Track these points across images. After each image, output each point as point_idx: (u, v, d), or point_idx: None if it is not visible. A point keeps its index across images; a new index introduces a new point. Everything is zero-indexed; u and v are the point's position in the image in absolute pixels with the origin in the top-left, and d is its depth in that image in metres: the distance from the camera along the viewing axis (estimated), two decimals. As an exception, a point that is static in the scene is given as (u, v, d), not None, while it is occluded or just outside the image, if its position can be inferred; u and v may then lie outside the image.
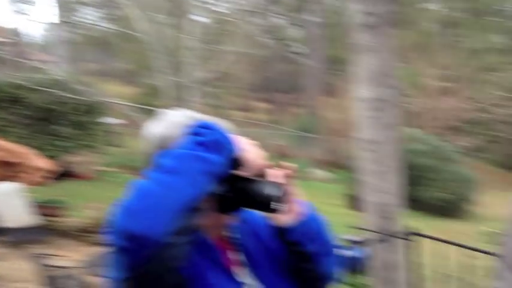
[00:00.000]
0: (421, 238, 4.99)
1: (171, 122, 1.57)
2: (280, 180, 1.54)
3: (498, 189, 18.66)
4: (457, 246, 4.79)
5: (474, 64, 19.86)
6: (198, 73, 15.54)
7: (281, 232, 1.61)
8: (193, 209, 1.33)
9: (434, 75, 19.87)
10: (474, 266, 5.08)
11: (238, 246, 1.63)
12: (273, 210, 1.51)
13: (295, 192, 1.59)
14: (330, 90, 23.79)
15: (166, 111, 1.63)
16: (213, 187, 1.40)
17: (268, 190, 1.50)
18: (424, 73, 19.81)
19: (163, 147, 1.49)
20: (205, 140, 1.41)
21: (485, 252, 4.75)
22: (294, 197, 1.59)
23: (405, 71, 18.76)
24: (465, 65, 19.79)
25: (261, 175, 1.54)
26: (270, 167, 1.56)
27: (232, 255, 1.61)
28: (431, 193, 14.42)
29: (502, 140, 21.86)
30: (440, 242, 4.87)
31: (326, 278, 1.74)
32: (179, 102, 13.76)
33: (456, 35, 24.08)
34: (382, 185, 5.05)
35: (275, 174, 1.55)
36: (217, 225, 1.60)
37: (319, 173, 19.33)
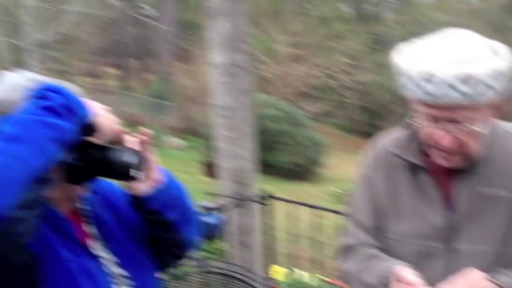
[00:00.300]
0: (274, 201, 5.12)
1: (11, 85, 1.40)
2: (137, 147, 1.47)
3: (345, 152, 19.90)
4: (307, 207, 5.00)
5: (322, 32, 20.71)
6: (37, 35, 14.44)
7: (138, 201, 1.53)
8: (41, 180, 1.23)
9: (286, 42, 20.44)
10: (323, 225, 5.32)
11: (90, 219, 1.55)
12: (131, 178, 1.46)
13: (153, 159, 1.53)
14: (184, 56, 23.47)
15: (5, 73, 1.46)
16: (63, 155, 1.29)
17: (125, 157, 1.43)
18: (275, 40, 20.29)
19: (3, 113, 1.34)
20: (53, 104, 1.29)
21: (333, 211, 5.02)
22: (151, 164, 1.52)
23: (257, 37, 19.07)
24: (314, 32, 20.58)
25: (117, 142, 1.45)
26: (126, 133, 1.47)
27: (85, 228, 1.53)
28: (284, 158, 14.90)
29: (348, 106, 23.25)
30: (292, 204, 5.04)
31: (186, 245, 1.71)
32: (17, 66, 12.75)
33: (306, 2, 24.88)
34: (236, 150, 5.08)
35: (131, 141, 1.47)
36: (68, 197, 1.50)
37: (174, 140, 19.11)
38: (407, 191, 1.86)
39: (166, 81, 23.08)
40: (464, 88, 1.53)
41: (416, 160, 1.83)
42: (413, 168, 1.85)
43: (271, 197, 4.87)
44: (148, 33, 28.56)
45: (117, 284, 1.52)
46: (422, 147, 1.84)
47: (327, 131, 20.60)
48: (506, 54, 1.61)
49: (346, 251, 1.99)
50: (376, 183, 1.93)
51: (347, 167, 17.46)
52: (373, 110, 23.34)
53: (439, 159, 1.74)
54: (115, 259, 1.54)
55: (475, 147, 1.68)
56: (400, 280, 1.68)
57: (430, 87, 1.56)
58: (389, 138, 1.98)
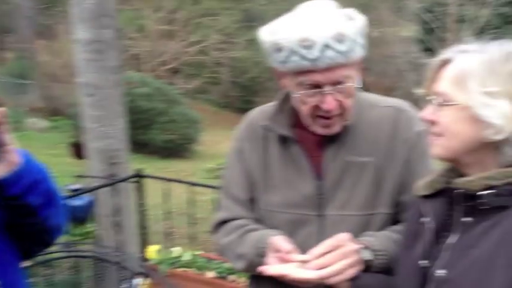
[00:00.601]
0: (148, 180, 5.03)
1: None
2: None
3: (220, 128, 20.05)
4: (183, 184, 4.95)
5: (195, 8, 20.55)
6: None
7: None
8: None
9: (158, 18, 20.04)
10: (200, 201, 5.32)
11: None
12: None
13: (8, 140, 1.41)
14: (46, 32, 22.09)
15: None
16: None
17: None
18: (146, 16, 19.83)
19: None
20: None
21: (206, 186, 5.03)
22: (6, 145, 1.40)
23: (127, 13, 18.49)
24: (187, 9, 20.36)
25: None
26: None
27: None
28: (158, 136, 14.73)
29: (222, 82, 23.39)
30: (169, 182, 4.97)
31: (53, 231, 1.61)
32: None
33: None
34: (105, 130, 4.91)
35: None
36: None
37: (37, 122, 18.00)
38: (278, 162, 1.89)
39: (27, 59, 21.61)
40: (340, 47, 1.62)
41: (286, 132, 1.86)
42: (284, 140, 1.88)
43: (143, 175, 4.76)
44: (5, 8, 26.49)
45: None
46: (291, 117, 1.88)
47: (201, 107, 20.60)
48: (359, 17, 1.73)
49: (221, 225, 1.99)
50: (248, 156, 1.94)
51: (222, 143, 17.65)
52: (246, 85, 23.68)
53: (320, 129, 1.77)
54: None
55: (350, 106, 1.75)
56: (275, 249, 1.70)
57: (310, 52, 1.62)
58: (260, 111, 2.00)
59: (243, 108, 23.47)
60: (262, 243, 1.77)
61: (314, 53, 1.62)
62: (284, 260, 1.67)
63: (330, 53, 1.62)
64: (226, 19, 20.68)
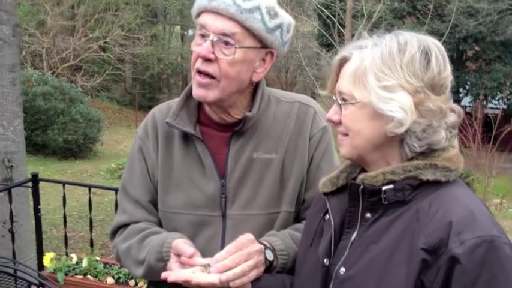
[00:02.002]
0: (47, 183, 4.78)
1: None
2: None
3: (122, 126, 19.60)
4: (81, 186, 4.75)
5: (97, 4, 19.90)
6: None
7: None
8: None
9: (58, 14, 19.21)
10: (101, 203, 5.15)
11: None
12: None
13: None
14: None
15: None
16: None
17: None
18: (46, 12, 18.94)
19: None
20: None
21: (106, 188, 4.87)
22: None
23: (26, 8, 17.60)
24: (89, 4, 19.67)
25: None
26: None
27: None
28: (59, 136, 14.16)
29: (123, 79, 22.86)
30: (69, 185, 4.76)
31: None
32: None
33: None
34: (1, 132, 4.62)
35: None
36: None
37: None
38: (181, 161, 1.82)
39: None
40: (240, 1, 1.62)
41: (189, 129, 1.80)
42: (187, 138, 1.82)
43: (38, 179, 4.51)
44: None
45: None
46: (195, 115, 1.83)
47: (103, 106, 20.05)
48: (285, 16, 1.73)
49: (120, 228, 1.90)
50: (148, 155, 1.86)
51: (124, 142, 17.33)
52: (149, 82, 23.32)
53: (196, 89, 1.72)
54: None
55: (230, 78, 1.69)
56: (177, 253, 1.64)
57: None
58: (163, 108, 1.92)
59: (146, 105, 23.10)
60: (163, 247, 1.70)
61: None
62: (187, 264, 1.61)
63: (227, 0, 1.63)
64: (129, 15, 20.19)
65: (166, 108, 1.90)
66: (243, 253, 1.57)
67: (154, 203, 1.86)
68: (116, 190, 3.93)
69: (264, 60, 1.74)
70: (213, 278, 1.53)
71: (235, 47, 1.65)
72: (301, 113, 1.83)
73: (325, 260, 1.45)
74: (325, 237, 1.49)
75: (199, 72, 1.69)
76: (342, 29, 16.83)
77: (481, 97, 17.19)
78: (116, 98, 22.86)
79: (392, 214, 1.37)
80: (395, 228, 1.35)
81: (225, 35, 1.64)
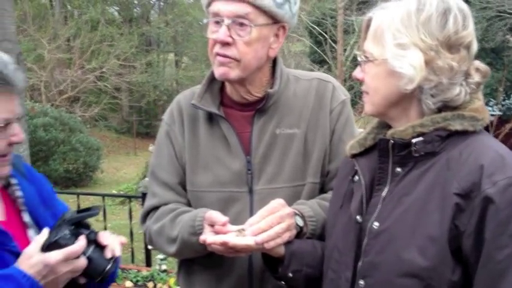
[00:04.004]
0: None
1: None
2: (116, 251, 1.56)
3: (121, 154, 19.62)
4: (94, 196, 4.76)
5: (93, 35, 20.09)
6: None
7: None
8: None
9: (54, 47, 19.38)
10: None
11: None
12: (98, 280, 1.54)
13: None
14: None
15: None
16: None
17: (105, 265, 1.54)
18: (42, 45, 19.11)
19: None
20: None
21: (118, 196, 4.85)
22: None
23: (22, 43, 17.74)
24: (84, 36, 19.86)
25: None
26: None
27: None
28: (60, 166, 14.20)
29: (120, 108, 22.95)
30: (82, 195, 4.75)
31: None
32: None
33: (73, 7, 23.85)
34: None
35: (109, 242, 1.58)
36: None
37: None
38: (207, 141, 1.88)
39: None
40: None
41: (213, 109, 1.86)
42: (212, 118, 1.88)
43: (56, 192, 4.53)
44: None
45: None
46: (219, 96, 1.90)
47: (101, 134, 20.10)
48: None
49: (150, 212, 1.94)
50: (175, 139, 1.92)
51: (123, 169, 17.36)
52: (146, 109, 23.42)
53: (218, 68, 1.78)
54: None
55: (249, 56, 1.76)
56: (210, 223, 1.68)
57: None
58: (186, 94, 1.99)
59: (144, 132, 23.17)
60: (195, 221, 1.74)
61: None
62: (221, 233, 1.65)
63: None
64: (124, 44, 20.38)
65: (190, 93, 1.96)
66: (275, 216, 1.63)
67: (182, 184, 1.91)
68: (126, 197, 3.96)
69: (277, 35, 1.81)
70: (249, 240, 1.58)
71: (250, 26, 1.72)
72: (321, 89, 1.89)
73: (357, 217, 1.50)
74: (355, 197, 1.54)
75: (219, 54, 1.76)
76: (334, 45, 16.98)
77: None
78: (114, 126, 22.93)
79: (422, 166, 1.42)
80: (427, 178, 1.40)
81: (238, 16, 1.71)
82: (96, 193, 4.91)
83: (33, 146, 13.32)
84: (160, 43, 24.78)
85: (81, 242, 1.48)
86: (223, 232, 1.64)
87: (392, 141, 1.45)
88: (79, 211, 1.58)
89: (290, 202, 1.76)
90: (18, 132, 1.55)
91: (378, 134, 1.55)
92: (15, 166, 1.66)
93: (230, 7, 1.71)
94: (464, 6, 1.44)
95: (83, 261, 1.49)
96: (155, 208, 1.92)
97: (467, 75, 1.43)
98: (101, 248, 1.55)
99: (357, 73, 1.53)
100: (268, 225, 1.60)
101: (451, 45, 1.40)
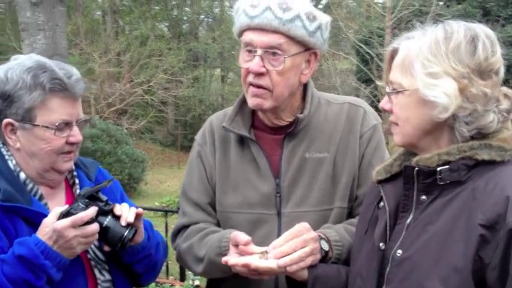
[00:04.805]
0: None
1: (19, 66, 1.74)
2: (132, 218, 1.71)
3: (165, 166, 19.87)
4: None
5: (142, 50, 20.55)
6: None
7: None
8: None
9: (105, 61, 19.93)
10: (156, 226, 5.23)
11: None
12: (119, 248, 1.73)
13: (139, 224, 1.77)
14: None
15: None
16: None
17: (123, 231, 1.70)
18: (93, 59, 19.68)
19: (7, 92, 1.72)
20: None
21: (166, 211, 4.89)
22: (136, 227, 1.75)
23: (74, 57, 18.30)
24: (134, 51, 20.34)
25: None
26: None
27: None
28: (108, 177, 14.48)
29: (166, 121, 23.30)
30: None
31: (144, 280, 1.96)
32: None
33: (125, 22, 24.48)
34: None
35: (126, 210, 1.73)
36: None
37: None
38: (237, 163, 1.90)
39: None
40: (281, 13, 1.71)
41: (244, 132, 1.88)
42: (242, 140, 1.91)
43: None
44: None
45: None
46: (250, 119, 1.92)
47: (147, 146, 20.42)
48: (323, 15, 1.82)
49: (181, 230, 1.98)
50: (206, 159, 1.95)
51: (167, 181, 17.54)
52: (191, 123, 23.70)
53: (251, 99, 1.80)
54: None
55: (281, 86, 1.77)
56: (234, 243, 1.70)
57: (253, 11, 1.73)
58: (218, 115, 2.02)
59: (188, 146, 23.45)
60: (221, 242, 1.77)
61: (255, 12, 1.73)
62: (245, 253, 1.67)
63: (268, 14, 1.71)
64: (172, 59, 20.77)
65: (222, 115, 1.99)
66: (299, 240, 1.63)
67: (212, 204, 1.94)
68: (163, 211, 3.99)
69: (308, 61, 1.83)
70: (271, 263, 1.59)
71: (284, 57, 1.74)
72: (352, 113, 1.89)
73: (380, 244, 1.49)
74: (380, 223, 1.53)
75: (252, 85, 1.78)
76: (380, 63, 16.85)
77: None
78: (159, 139, 23.28)
79: (447, 195, 1.40)
80: (452, 208, 1.38)
81: (272, 47, 1.73)
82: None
83: (80, 156, 13.66)
84: (207, 58, 25.10)
85: (88, 210, 1.65)
86: (247, 253, 1.66)
87: (417, 169, 1.44)
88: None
89: (317, 226, 1.76)
90: (75, 133, 1.78)
91: (405, 161, 1.55)
92: (85, 169, 1.94)
93: (263, 38, 1.73)
94: (491, 33, 1.43)
95: (93, 227, 1.66)
96: (185, 227, 1.96)
97: (497, 101, 1.42)
98: (118, 218, 1.72)
99: (385, 104, 1.52)
100: (291, 248, 1.61)
101: (483, 72, 1.39)
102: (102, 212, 1.68)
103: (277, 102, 1.79)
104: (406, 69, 1.44)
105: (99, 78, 19.85)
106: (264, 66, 1.74)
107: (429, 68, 1.39)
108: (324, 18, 1.80)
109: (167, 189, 16.40)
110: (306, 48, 1.79)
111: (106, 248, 1.75)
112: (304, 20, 1.74)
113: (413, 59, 1.42)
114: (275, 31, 1.72)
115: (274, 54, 1.74)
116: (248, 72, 1.77)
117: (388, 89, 1.50)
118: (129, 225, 1.71)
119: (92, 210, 1.65)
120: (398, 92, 1.46)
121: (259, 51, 1.73)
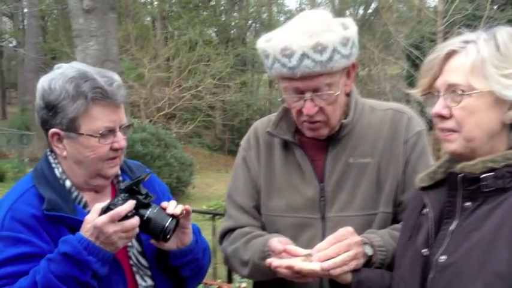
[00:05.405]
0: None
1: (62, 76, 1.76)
2: (178, 211, 1.73)
3: (212, 170, 20.09)
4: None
5: (191, 55, 20.88)
6: None
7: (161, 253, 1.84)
8: None
9: (154, 66, 20.33)
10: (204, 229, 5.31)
11: None
12: (162, 240, 1.74)
13: (188, 225, 1.82)
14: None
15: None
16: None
17: (165, 222, 1.71)
18: (143, 64, 20.09)
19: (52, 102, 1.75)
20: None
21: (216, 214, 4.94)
22: (185, 228, 1.81)
23: (125, 62, 18.75)
24: (182, 56, 20.68)
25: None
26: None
27: None
28: (157, 180, 14.74)
29: (213, 125, 23.59)
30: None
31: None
32: None
33: (173, 28, 24.93)
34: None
35: (173, 205, 1.75)
36: None
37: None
38: (282, 167, 1.94)
39: (29, 111, 21.78)
40: (318, 56, 1.69)
41: (288, 137, 1.91)
42: (286, 145, 1.94)
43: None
44: (12, 66, 26.77)
45: None
46: (294, 124, 1.94)
47: (195, 151, 20.69)
48: (352, 25, 1.81)
49: (227, 233, 2.02)
50: (251, 164, 1.99)
51: (214, 185, 17.73)
52: (238, 128, 23.88)
53: (308, 131, 1.84)
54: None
55: (335, 113, 1.81)
56: (274, 250, 1.72)
57: (289, 61, 1.71)
58: (263, 121, 2.06)
59: (235, 150, 23.53)
60: (265, 246, 1.79)
61: (293, 62, 1.70)
62: (289, 256, 1.68)
63: (307, 62, 1.69)
64: (220, 64, 21.02)
65: (266, 121, 2.03)
66: (343, 244, 1.64)
67: (257, 208, 1.97)
68: (211, 214, 4.04)
69: (348, 72, 1.84)
70: (315, 266, 1.61)
71: (333, 92, 1.77)
72: (396, 119, 1.90)
73: (424, 250, 1.49)
74: (423, 230, 1.53)
75: (306, 121, 1.82)
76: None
77: None
78: (207, 143, 23.60)
79: (492, 202, 1.40)
80: (497, 215, 1.38)
81: (319, 89, 1.75)
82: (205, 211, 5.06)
83: (131, 159, 13.95)
84: (254, 63, 25.30)
85: (126, 204, 1.66)
86: (292, 255, 1.68)
87: (462, 175, 1.44)
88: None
89: (361, 231, 1.77)
90: (119, 139, 1.79)
91: (449, 168, 1.54)
92: (130, 174, 1.96)
93: (310, 84, 1.74)
94: None
95: (132, 221, 1.67)
96: (231, 230, 2.00)
97: None
98: (161, 209, 1.74)
99: (441, 109, 1.47)
100: (335, 252, 1.63)
101: None
102: (142, 205, 1.70)
103: (331, 129, 1.84)
104: (478, 71, 1.42)
105: (148, 83, 20.27)
106: (316, 105, 1.76)
107: (503, 69, 1.40)
108: (353, 35, 1.78)
109: (215, 192, 16.56)
110: (346, 68, 1.81)
111: (152, 241, 1.79)
112: (341, 50, 1.73)
113: (485, 60, 1.41)
114: (319, 75, 1.72)
115: (321, 91, 1.76)
116: (301, 112, 1.79)
117: (447, 94, 1.46)
118: (172, 217, 1.72)
119: (129, 204, 1.67)
120: (465, 95, 1.43)
121: (308, 95, 1.75)
